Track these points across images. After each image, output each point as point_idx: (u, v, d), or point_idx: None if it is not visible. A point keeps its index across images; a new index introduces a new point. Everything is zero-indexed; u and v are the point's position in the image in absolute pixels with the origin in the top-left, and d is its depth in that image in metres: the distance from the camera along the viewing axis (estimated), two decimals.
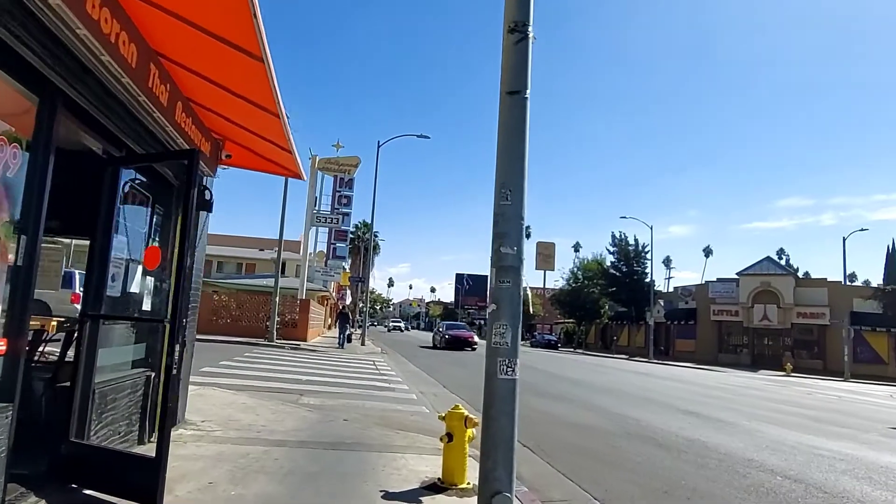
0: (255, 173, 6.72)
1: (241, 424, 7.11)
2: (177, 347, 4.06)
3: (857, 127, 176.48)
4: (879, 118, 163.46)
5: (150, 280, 5.72)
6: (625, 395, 15.27)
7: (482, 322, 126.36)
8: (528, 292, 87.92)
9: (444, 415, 5.43)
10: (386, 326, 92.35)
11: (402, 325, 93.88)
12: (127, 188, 5.25)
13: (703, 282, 49.92)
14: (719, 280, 48.51)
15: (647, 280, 49.31)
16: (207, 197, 6.01)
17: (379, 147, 32.35)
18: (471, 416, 5.26)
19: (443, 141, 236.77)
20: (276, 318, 25.48)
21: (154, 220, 5.71)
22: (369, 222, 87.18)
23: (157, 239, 5.73)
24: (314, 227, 36.53)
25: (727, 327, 47.55)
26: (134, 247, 5.43)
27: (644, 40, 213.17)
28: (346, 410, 9.43)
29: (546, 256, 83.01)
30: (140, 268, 5.47)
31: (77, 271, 22.97)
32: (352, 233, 64.86)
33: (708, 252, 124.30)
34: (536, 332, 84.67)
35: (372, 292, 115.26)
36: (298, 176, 6.32)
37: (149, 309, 5.71)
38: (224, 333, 26.21)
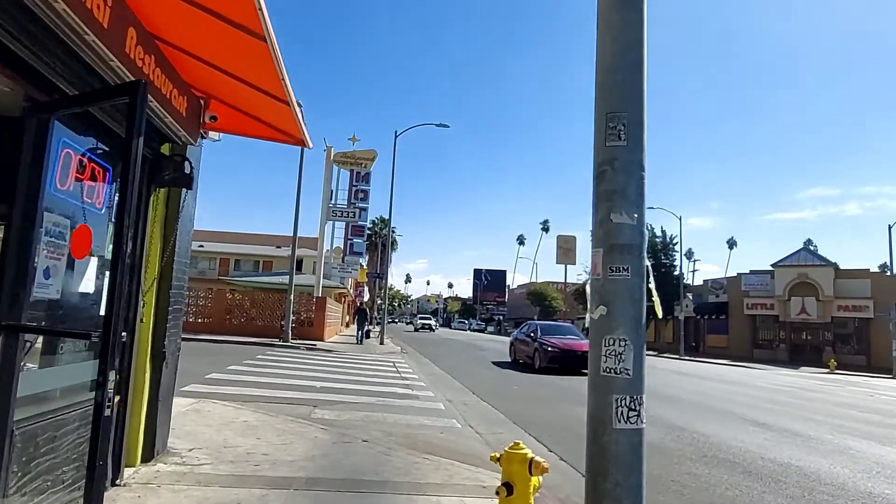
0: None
1: (238, 453, 5.77)
2: (111, 377, 2.67)
3: (882, 114, 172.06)
4: None
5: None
6: (678, 402, 13.78)
7: (500, 318, 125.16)
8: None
9: (498, 456, 3.99)
10: (412, 324, 78.27)
11: (432, 322, 75.18)
12: (74, 156, 3.92)
13: (736, 274, 47.94)
14: (752, 272, 46.54)
15: (676, 273, 47.47)
16: (187, 170, 4.67)
17: (396, 137, 31.06)
18: (537, 459, 3.83)
19: (459, 134, 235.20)
20: (292, 317, 24.25)
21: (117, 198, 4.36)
22: (386, 218, 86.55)
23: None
24: (330, 222, 35.28)
25: (762, 321, 45.60)
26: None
27: (664, 29, 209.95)
28: (366, 427, 8.08)
29: (567, 250, 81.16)
30: (94, 261, 4.13)
31: None
32: (369, 228, 63.77)
33: (732, 244, 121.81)
34: None
35: (390, 288, 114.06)
36: (302, 142, 4.95)
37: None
38: (238, 333, 25.06)
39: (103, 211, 4.18)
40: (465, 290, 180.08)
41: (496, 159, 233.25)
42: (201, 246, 66.79)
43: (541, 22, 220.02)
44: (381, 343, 28.89)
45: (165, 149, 4.72)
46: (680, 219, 44.63)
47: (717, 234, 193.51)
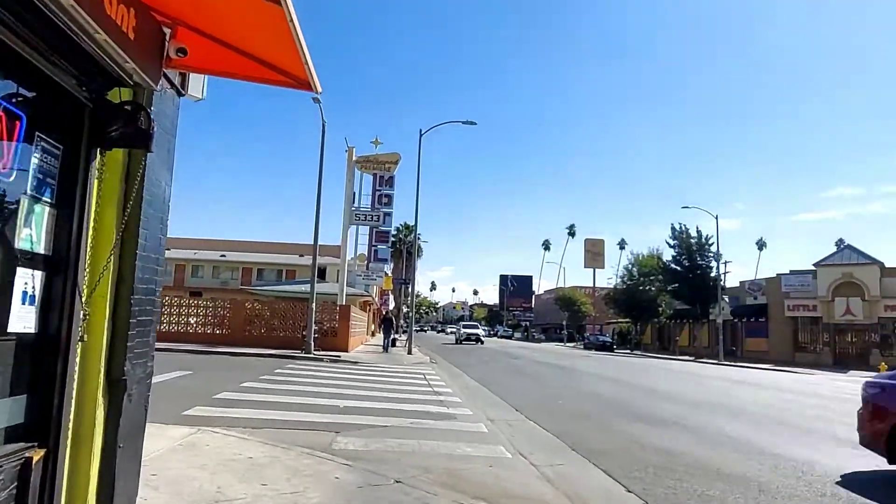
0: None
1: None
2: None
3: None
4: None
5: (36, 277, 3.03)
6: (745, 417, 12.16)
7: (527, 324, 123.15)
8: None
9: None
10: (454, 333, 60.38)
11: (479, 331, 57.81)
12: None
13: (775, 275, 45.79)
14: (793, 272, 44.35)
15: (713, 274, 45.40)
16: (142, 123, 3.30)
17: (421, 136, 29.72)
18: None
19: (480, 139, 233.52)
20: (314, 327, 22.96)
21: (40, 161, 3.01)
22: (409, 224, 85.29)
23: (42, 194, 3.02)
24: (353, 227, 34.05)
25: (803, 324, 43.36)
26: None
27: (670, 29, 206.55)
28: (399, 460, 6.67)
29: (595, 254, 79.39)
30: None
31: None
32: (393, 235, 62.53)
33: (761, 245, 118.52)
34: (587, 332, 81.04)
35: (416, 296, 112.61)
36: (308, 84, 3.55)
37: (32, 328, 3.02)
38: (258, 345, 23.84)
39: (12, 178, 2.82)
40: (490, 296, 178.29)
41: (519, 164, 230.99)
42: (223, 256, 66.27)
43: (564, 25, 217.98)
44: (409, 352, 27.48)
45: (117, 95, 3.35)
46: (716, 217, 42.64)
47: (743, 236, 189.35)
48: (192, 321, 25.19)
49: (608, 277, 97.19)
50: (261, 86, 4.47)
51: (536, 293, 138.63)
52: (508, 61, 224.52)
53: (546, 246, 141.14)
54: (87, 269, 3.30)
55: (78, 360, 3.30)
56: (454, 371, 20.70)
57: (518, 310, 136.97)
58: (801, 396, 17.39)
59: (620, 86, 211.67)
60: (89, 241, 3.30)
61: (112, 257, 3.61)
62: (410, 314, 30.81)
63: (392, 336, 33.42)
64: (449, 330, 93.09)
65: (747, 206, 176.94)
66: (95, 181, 3.34)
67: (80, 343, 3.27)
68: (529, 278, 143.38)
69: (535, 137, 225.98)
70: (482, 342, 50.17)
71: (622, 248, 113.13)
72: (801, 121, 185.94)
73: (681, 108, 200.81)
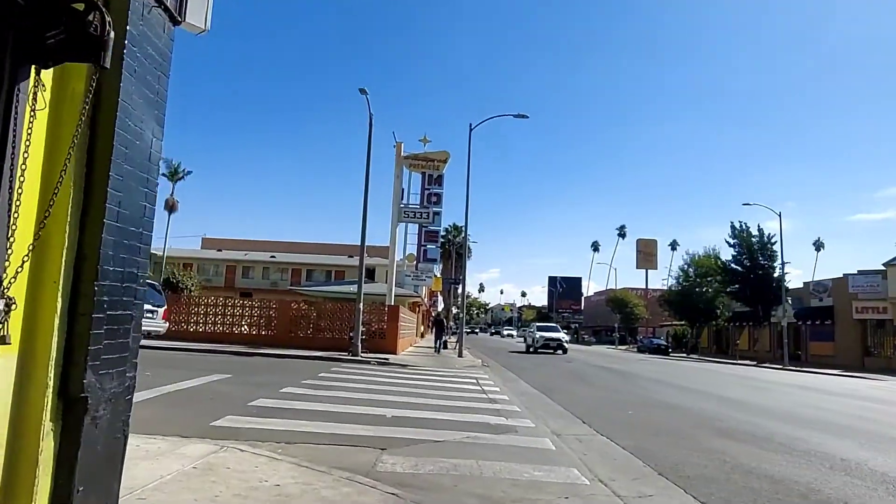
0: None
1: None
2: None
3: None
4: None
5: None
6: (848, 432, 10.62)
7: (577, 325, 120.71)
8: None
9: None
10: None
11: (561, 335, 41.18)
12: None
13: (842, 275, 43.03)
14: (861, 273, 41.53)
15: (776, 275, 42.90)
16: (93, 28, 2.27)
17: (471, 130, 28.52)
18: None
19: (525, 137, 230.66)
20: (361, 329, 22.08)
21: None
22: (458, 225, 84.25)
23: None
24: (402, 225, 33.15)
25: (873, 327, 40.50)
26: None
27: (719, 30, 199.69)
28: (454, 486, 5.58)
29: (647, 255, 76.95)
30: None
31: None
32: (441, 236, 61.59)
33: (819, 245, 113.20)
34: (640, 335, 78.54)
35: (466, 297, 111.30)
36: None
37: None
38: (304, 347, 23.10)
39: None
40: (537, 299, 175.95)
41: (566, 163, 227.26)
42: (273, 257, 66.50)
43: (610, 23, 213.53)
44: (460, 355, 26.36)
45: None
46: (779, 215, 40.10)
47: (796, 236, 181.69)
48: (237, 322, 24.65)
49: (662, 278, 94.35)
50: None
51: (586, 295, 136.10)
52: (558, 59, 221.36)
53: (595, 247, 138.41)
54: (11, 242, 2.27)
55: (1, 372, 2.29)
56: (508, 375, 19.49)
57: (567, 311, 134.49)
58: (887, 406, 15.66)
59: (671, 85, 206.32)
60: (14, 200, 2.27)
61: (68, 228, 2.59)
62: (461, 315, 29.55)
63: (444, 338, 33.15)
64: (505, 332, 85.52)
65: (798, 206, 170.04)
66: (27, 115, 2.31)
67: None
68: (579, 280, 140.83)
69: (583, 136, 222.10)
70: (565, 350, 37.91)
71: (673, 248, 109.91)
72: (856, 118, 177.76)
73: (729, 106, 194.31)
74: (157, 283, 24.07)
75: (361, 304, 21.67)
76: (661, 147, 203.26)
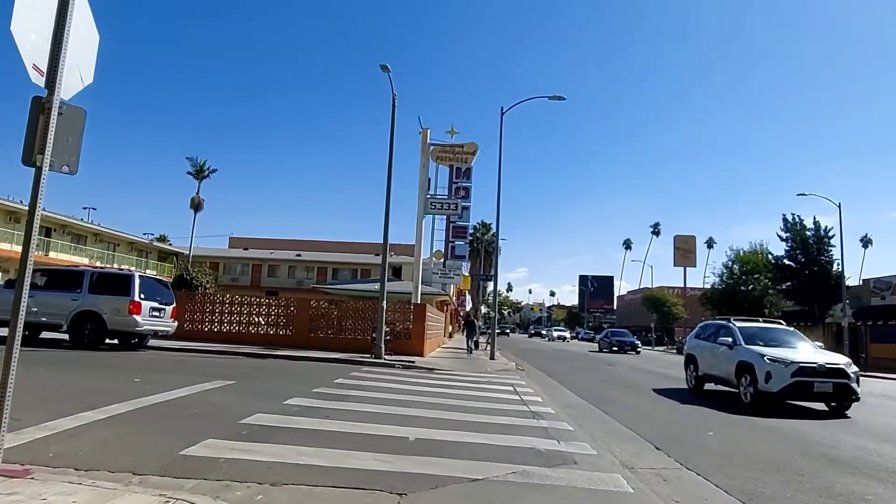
0: None
1: None
2: None
3: None
4: None
5: None
6: None
7: (608, 325, 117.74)
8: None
9: None
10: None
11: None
12: None
13: None
14: None
15: (834, 271, 40.09)
16: None
17: (503, 114, 26.51)
18: None
19: (554, 133, 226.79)
20: (385, 329, 20.27)
21: None
22: (487, 222, 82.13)
23: None
24: (428, 218, 31.28)
25: None
26: None
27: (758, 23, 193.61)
28: None
29: (685, 251, 73.76)
30: None
31: (137, 273, 18.85)
32: (469, 234, 59.65)
33: (866, 242, 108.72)
34: (678, 336, 75.49)
35: (498, 295, 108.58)
36: None
37: None
38: (324, 347, 21.38)
39: None
40: (566, 298, 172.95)
41: (595, 160, 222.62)
42: (298, 255, 65.23)
43: (635, 19, 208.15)
44: (492, 357, 24.40)
45: None
46: (839, 206, 37.31)
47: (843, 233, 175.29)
48: (254, 321, 23.05)
49: (705, 276, 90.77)
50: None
51: (618, 294, 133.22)
52: (588, 54, 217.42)
53: (627, 245, 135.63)
54: None
55: None
56: (547, 381, 17.48)
57: (598, 311, 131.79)
58: None
59: (707, 77, 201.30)
60: None
61: None
62: (493, 315, 27.43)
63: (475, 338, 32.61)
64: (556, 333, 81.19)
65: (844, 203, 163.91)
66: None
67: None
68: (610, 279, 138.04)
69: (612, 133, 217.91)
70: (638, 350, 45.51)
71: (710, 246, 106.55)
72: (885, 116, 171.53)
73: (766, 101, 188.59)
74: (164, 280, 22.59)
75: (385, 301, 19.85)
76: (697, 142, 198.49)
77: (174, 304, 18.77)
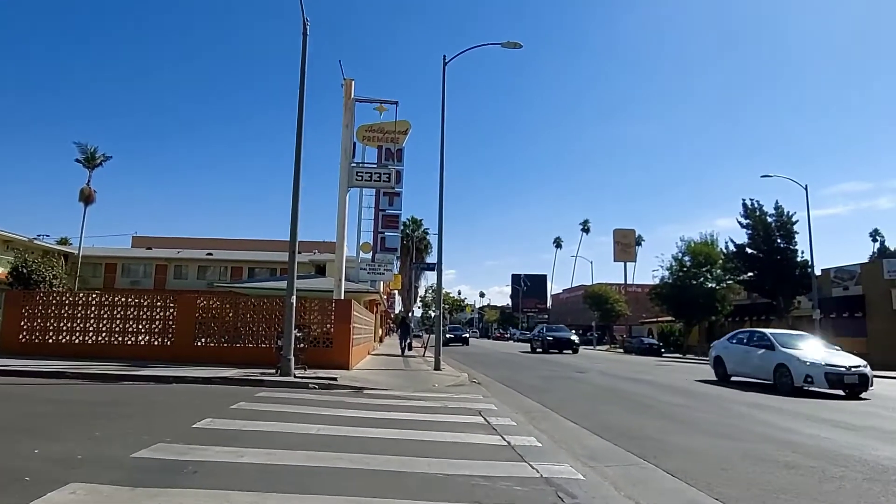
0: None
1: None
2: None
3: None
4: None
5: None
6: None
7: (544, 325, 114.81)
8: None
9: None
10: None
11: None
12: None
13: (872, 258, 37.64)
14: None
15: (799, 259, 37.19)
16: None
17: (445, 65, 21.47)
18: None
19: (476, 135, 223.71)
20: (297, 334, 15.01)
21: None
22: (417, 218, 76.95)
23: None
24: (353, 206, 25.99)
25: None
26: None
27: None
28: None
29: (625, 246, 71.36)
30: None
31: None
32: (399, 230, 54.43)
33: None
34: (617, 334, 72.68)
35: (422, 298, 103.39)
36: None
37: None
38: (215, 361, 15.94)
39: None
40: (497, 299, 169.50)
41: (520, 159, 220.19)
42: (210, 254, 58.49)
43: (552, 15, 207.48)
44: (437, 368, 19.34)
45: None
46: (806, 188, 34.32)
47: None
48: (123, 328, 17.23)
49: (653, 270, 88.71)
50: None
51: (552, 293, 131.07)
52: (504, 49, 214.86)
53: (558, 244, 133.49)
54: None
55: None
56: (523, 403, 12.58)
57: (532, 311, 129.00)
58: None
59: (623, 83, 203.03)
60: None
61: None
62: (438, 313, 22.01)
63: (408, 340, 31.60)
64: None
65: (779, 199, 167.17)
66: None
67: None
68: (544, 277, 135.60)
69: (533, 135, 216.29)
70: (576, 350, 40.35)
71: (639, 244, 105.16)
72: (798, 120, 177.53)
73: (678, 112, 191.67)
74: None
75: (294, 297, 14.54)
76: (620, 144, 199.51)
77: None
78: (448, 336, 50.91)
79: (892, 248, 74.36)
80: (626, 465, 6.72)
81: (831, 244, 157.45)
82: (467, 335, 60.56)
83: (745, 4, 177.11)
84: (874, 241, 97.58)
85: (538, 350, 40.69)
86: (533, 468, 6.15)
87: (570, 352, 39.29)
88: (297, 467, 5.62)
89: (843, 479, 6.29)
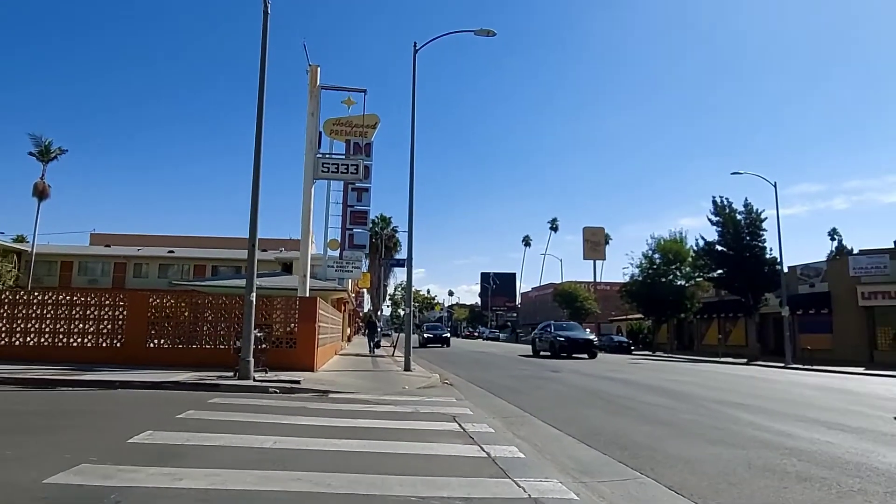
0: None
1: None
2: None
3: (867, 108, 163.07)
4: (891, 96, 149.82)
5: None
6: None
7: (513, 323, 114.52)
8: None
9: None
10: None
11: (444, 332, 50.06)
12: None
13: (836, 255, 37.89)
14: (863, 252, 36.44)
15: (768, 257, 37.19)
16: None
17: (416, 52, 20.57)
18: None
19: (445, 136, 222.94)
20: (258, 334, 14.01)
21: None
22: (386, 216, 75.86)
23: None
24: (321, 199, 24.91)
25: (881, 315, 35.20)
26: None
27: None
28: None
29: (595, 244, 71.27)
30: None
31: None
32: (367, 228, 53.26)
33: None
34: (591, 332, 72.50)
35: (392, 296, 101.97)
36: None
37: None
38: (169, 364, 14.88)
39: None
40: (466, 298, 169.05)
41: (485, 162, 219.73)
42: (171, 252, 56.75)
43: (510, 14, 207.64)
44: (407, 369, 18.50)
45: None
46: (775, 185, 34.29)
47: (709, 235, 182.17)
48: (68, 329, 16.01)
49: (623, 267, 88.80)
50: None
51: (521, 291, 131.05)
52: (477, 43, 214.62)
53: (526, 242, 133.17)
54: None
55: None
56: (498, 405, 11.82)
57: (502, 309, 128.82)
58: None
59: (590, 77, 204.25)
60: None
61: None
62: (408, 311, 21.08)
63: (377, 339, 32.07)
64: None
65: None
66: None
67: None
68: (513, 275, 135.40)
69: (503, 132, 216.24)
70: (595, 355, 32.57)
71: (607, 243, 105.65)
72: (758, 120, 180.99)
73: (647, 104, 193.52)
74: None
75: (254, 294, 13.54)
76: (587, 142, 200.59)
77: None
78: (426, 336, 47.91)
79: (849, 247, 76.27)
80: (623, 480, 5.96)
81: (791, 243, 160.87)
82: (447, 335, 51.21)
83: (707, 5, 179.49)
84: (832, 239, 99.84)
85: (543, 353, 33.56)
86: (519, 486, 5.35)
87: (585, 356, 31.65)
88: (245, 492, 4.74)
89: (864, 492, 5.61)
